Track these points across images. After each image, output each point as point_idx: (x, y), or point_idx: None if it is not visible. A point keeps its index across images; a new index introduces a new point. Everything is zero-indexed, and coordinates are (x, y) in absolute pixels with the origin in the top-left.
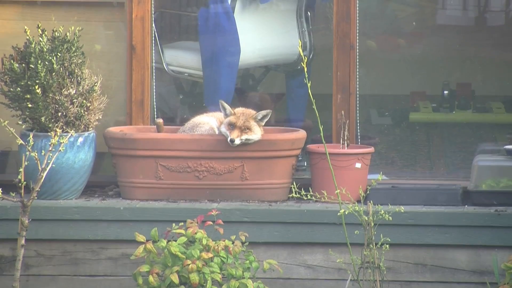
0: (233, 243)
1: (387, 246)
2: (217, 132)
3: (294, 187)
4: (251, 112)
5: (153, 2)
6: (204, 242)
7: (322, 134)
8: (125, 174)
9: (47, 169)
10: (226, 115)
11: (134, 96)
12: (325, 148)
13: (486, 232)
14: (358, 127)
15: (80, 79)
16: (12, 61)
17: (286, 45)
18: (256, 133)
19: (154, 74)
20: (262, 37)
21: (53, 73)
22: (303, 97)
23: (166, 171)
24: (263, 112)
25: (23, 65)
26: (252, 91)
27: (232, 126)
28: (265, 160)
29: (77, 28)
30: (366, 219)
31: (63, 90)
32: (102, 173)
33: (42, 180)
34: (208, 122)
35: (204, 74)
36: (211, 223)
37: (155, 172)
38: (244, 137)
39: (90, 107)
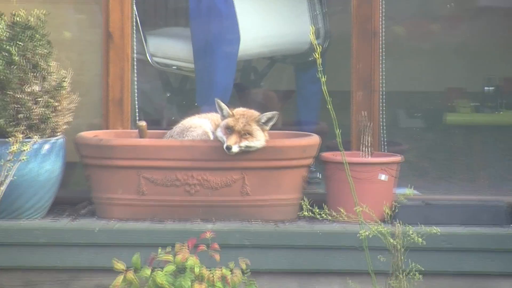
0: (231, 271)
1: (419, 275)
2: (212, 137)
3: (305, 204)
4: (254, 113)
5: None
6: (197, 270)
7: (339, 139)
8: (100, 189)
9: (6, 182)
10: (223, 117)
11: (112, 94)
12: (343, 156)
13: None
14: (383, 131)
15: (46, 73)
16: None
17: (296, 31)
18: (259, 139)
19: (135, 67)
20: (266, 22)
21: (13, 66)
22: (316, 94)
23: (151, 185)
24: (268, 114)
25: None
26: (255, 88)
27: (230, 130)
28: (270, 172)
29: (42, 12)
30: (393, 242)
31: (25, 87)
32: (72, 188)
33: (0, 196)
34: (201, 125)
35: (196, 67)
36: (204, 247)
37: (137, 186)
38: (244, 143)
39: (58, 108)
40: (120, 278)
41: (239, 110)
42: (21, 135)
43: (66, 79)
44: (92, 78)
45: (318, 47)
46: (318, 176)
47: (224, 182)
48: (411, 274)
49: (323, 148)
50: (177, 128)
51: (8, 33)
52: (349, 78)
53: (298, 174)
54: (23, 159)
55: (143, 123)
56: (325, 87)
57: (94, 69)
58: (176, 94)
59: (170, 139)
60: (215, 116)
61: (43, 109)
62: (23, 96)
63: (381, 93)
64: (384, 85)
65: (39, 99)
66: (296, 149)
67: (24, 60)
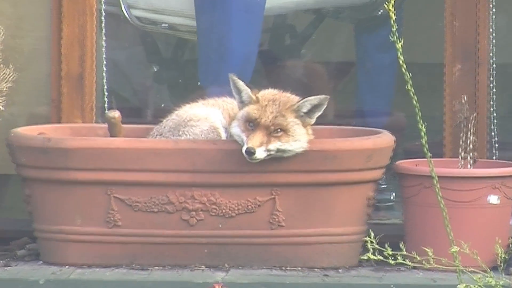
0: None
1: None
2: (224, 135)
3: (370, 241)
4: (290, 98)
5: None
6: None
7: (424, 139)
8: (48, 217)
9: None
10: (242, 104)
11: (66, 68)
12: (431, 166)
13: None
14: (495, 127)
15: None
16: None
17: None
18: (298, 139)
19: (104, 25)
20: None
21: None
22: (387, 69)
23: (127, 211)
24: (313, 100)
25: None
26: (292, 59)
27: (252, 124)
28: (315, 190)
29: None
30: None
31: None
32: (4, 215)
33: None
34: (206, 117)
35: (198, 26)
36: None
37: (106, 213)
38: (275, 145)
39: None
40: None
41: (267, 94)
42: None
43: None
44: (35, 42)
45: None
46: (391, 197)
47: (243, 206)
48: None
49: (398, 153)
50: (170, 121)
51: None
52: (439, 44)
53: (360, 195)
54: None
55: (115, 114)
56: (402, 57)
57: (39, 28)
58: (168, 69)
59: (159, 138)
60: (228, 103)
61: None
62: None
63: (491, 67)
64: (495, 54)
65: None
66: (357, 154)
67: None
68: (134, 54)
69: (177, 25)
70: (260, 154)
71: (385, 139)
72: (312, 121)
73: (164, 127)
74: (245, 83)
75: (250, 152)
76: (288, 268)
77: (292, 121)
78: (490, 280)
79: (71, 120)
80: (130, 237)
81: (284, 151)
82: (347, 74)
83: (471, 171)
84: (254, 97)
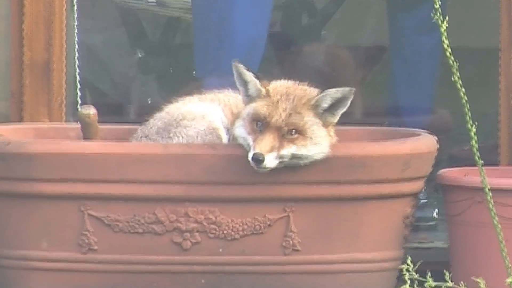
0: None
1: None
2: (225, 137)
3: (408, 269)
4: (307, 91)
5: None
6: None
7: (474, 143)
8: (7, 240)
9: None
10: (248, 98)
11: (29, 54)
12: (483, 176)
13: None
14: None
15: None
16: None
17: None
18: (318, 142)
19: (76, 2)
20: None
21: None
22: (428, 56)
23: (105, 232)
24: (335, 93)
25: None
26: (310, 43)
27: (261, 124)
28: (339, 206)
29: None
30: None
31: None
32: None
33: None
34: (204, 115)
35: (194, 2)
36: None
37: (79, 234)
38: (289, 151)
39: None
40: None
41: (279, 86)
42: None
43: None
44: None
45: None
46: (433, 215)
47: (250, 226)
48: None
49: (442, 160)
50: (159, 120)
51: None
52: (494, 25)
53: (395, 212)
54: None
55: (90, 112)
56: (447, 41)
57: None
58: (156, 55)
59: (144, 141)
60: (231, 98)
61: None
62: None
63: None
64: None
65: None
66: (391, 162)
67: None
68: (113, 37)
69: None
70: (271, 161)
71: (426, 142)
72: (335, 119)
73: (151, 128)
74: (252, 72)
75: (258, 159)
76: None
77: (310, 120)
78: None
79: (35, 119)
80: (108, 264)
81: (300, 157)
82: (378, 62)
83: None
84: (263, 90)
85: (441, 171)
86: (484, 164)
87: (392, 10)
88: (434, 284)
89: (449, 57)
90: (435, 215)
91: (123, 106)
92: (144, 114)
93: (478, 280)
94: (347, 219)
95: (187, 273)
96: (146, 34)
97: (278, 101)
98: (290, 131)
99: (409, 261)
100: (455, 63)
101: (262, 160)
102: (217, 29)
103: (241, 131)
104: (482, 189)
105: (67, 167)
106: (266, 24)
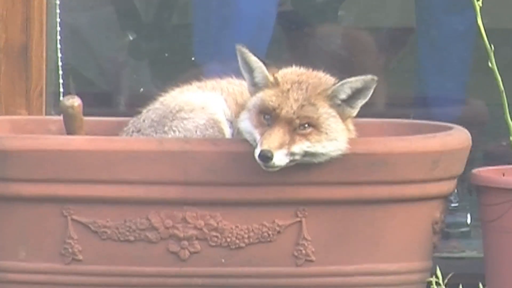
0: None
1: None
2: (228, 132)
3: (438, 282)
4: (321, 80)
5: None
6: None
7: None
8: None
9: None
10: (255, 87)
11: (4, 37)
12: None
13: None
14: None
15: None
16: None
17: None
18: (335, 137)
19: None
20: None
21: None
22: (460, 39)
23: (92, 239)
24: (355, 82)
25: None
26: (325, 24)
27: (269, 116)
28: (358, 210)
29: None
30: None
31: None
32: None
33: None
34: (203, 106)
35: None
36: None
37: (62, 242)
38: (301, 147)
39: None
40: None
41: (290, 74)
42: None
43: None
44: None
45: None
46: (466, 220)
47: (257, 233)
48: None
49: (476, 157)
50: (152, 112)
51: None
52: None
53: (422, 217)
54: None
55: (74, 102)
56: (482, 22)
57: None
58: (149, 38)
59: (136, 136)
60: (235, 86)
61: None
62: None
63: None
64: None
65: None
66: (418, 159)
67: None
68: (101, 17)
69: None
70: (280, 159)
71: (458, 137)
72: (354, 112)
73: (144, 121)
74: (259, 58)
75: (266, 157)
76: None
77: (325, 113)
78: None
79: (11, 111)
80: (95, 276)
81: (314, 155)
82: (404, 46)
83: None
84: (271, 78)
85: (475, 171)
86: None
87: None
88: None
89: (484, 40)
90: (469, 220)
91: (111, 96)
92: (136, 105)
93: None
94: (367, 224)
95: (185, 286)
96: (137, 13)
97: (288, 91)
98: (302, 125)
99: (438, 273)
100: (491, 47)
101: (271, 158)
102: (219, 7)
103: (246, 124)
104: None
105: (48, 166)
106: (275, 0)
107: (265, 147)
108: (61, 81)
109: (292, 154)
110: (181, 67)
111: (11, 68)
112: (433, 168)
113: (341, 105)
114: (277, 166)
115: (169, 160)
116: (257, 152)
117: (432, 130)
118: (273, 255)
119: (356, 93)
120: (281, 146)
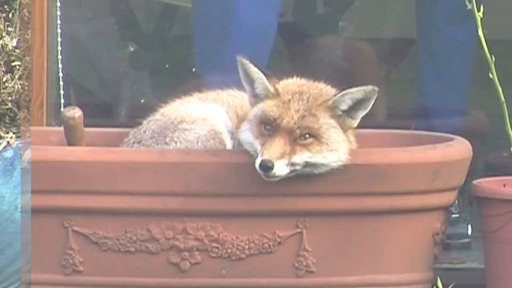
0: None
1: None
2: (229, 143)
3: None
4: (322, 91)
5: None
6: None
7: None
8: None
9: None
10: (256, 98)
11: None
12: None
13: None
14: None
15: None
16: None
17: None
18: (336, 148)
19: None
20: None
21: None
22: (461, 49)
23: (92, 251)
24: (356, 92)
25: None
26: (326, 35)
27: (270, 127)
28: (359, 221)
29: None
30: None
31: None
32: None
33: None
34: (205, 118)
35: None
36: None
37: (62, 253)
38: (302, 157)
39: None
40: None
41: (291, 84)
42: None
43: None
44: None
45: None
46: (467, 231)
47: (257, 244)
48: None
49: (477, 168)
50: (153, 123)
51: None
52: None
53: (423, 228)
54: None
55: (75, 113)
56: (482, 33)
57: None
58: (150, 48)
59: (136, 147)
60: (236, 98)
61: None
62: None
63: None
64: None
65: None
66: (419, 170)
67: None
68: (101, 28)
69: None
70: (281, 169)
71: (459, 148)
72: (355, 123)
73: (145, 132)
74: (259, 69)
75: (267, 167)
76: None
77: (326, 123)
78: None
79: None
80: (96, 287)
81: (314, 165)
82: (405, 57)
83: None
84: (272, 89)
85: (475, 182)
86: None
87: None
88: None
89: (485, 51)
90: (469, 231)
91: (112, 107)
92: (137, 116)
93: None
94: (368, 236)
95: None
96: (138, 24)
97: (289, 101)
98: (303, 135)
99: (439, 284)
100: (492, 58)
101: (271, 168)
102: (220, 18)
103: (247, 135)
104: None
105: (49, 177)
106: (276, 12)
107: (265, 157)
108: (61, 92)
109: (293, 164)
110: (181, 78)
111: None
112: (434, 179)
113: (342, 116)
114: (277, 176)
115: (170, 171)
116: (257, 162)
117: (433, 141)
118: (274, 266)
119: (357, 104)
120: (281, 156)
